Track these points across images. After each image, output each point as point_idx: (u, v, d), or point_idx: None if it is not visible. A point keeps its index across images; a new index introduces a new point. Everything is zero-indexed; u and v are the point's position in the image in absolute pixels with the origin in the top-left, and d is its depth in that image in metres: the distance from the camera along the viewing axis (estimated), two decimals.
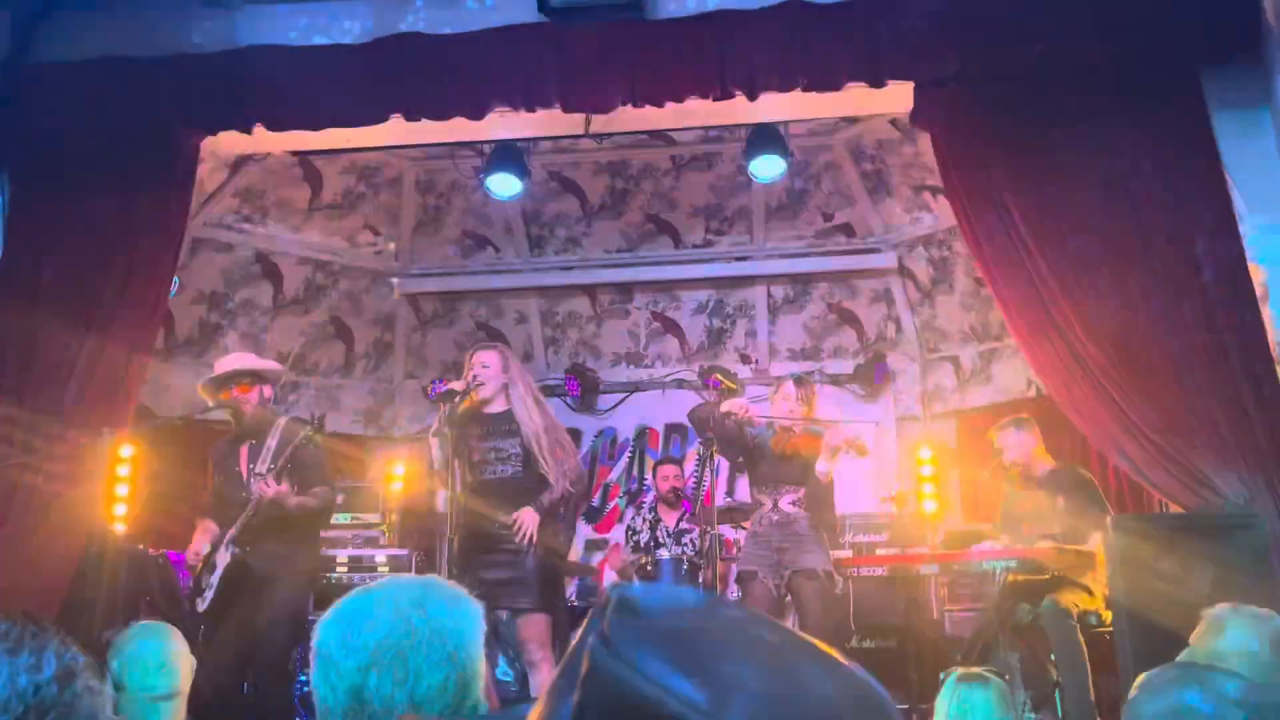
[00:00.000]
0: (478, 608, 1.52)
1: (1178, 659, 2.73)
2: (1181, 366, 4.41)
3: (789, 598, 4.86)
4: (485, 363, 4.64)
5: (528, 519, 4.43)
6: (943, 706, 2.75)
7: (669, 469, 6.67)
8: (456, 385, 4.56)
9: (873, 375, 7.70)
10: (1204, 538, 4.12)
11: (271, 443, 4.69)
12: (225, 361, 4.92)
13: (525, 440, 4.53)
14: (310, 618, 5.33)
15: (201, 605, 4.55)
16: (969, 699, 2.70)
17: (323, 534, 5.13)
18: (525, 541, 4.42)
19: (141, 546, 5.72)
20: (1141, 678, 1.76)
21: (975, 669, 2.93)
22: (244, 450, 4.75)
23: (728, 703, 0.54)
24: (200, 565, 4.60)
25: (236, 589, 4.52)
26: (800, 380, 5.11)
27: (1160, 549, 4.08)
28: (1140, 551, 4.11)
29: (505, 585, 4.40)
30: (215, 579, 4.56)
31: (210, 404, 4.79)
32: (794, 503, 4.91)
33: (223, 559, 4.57)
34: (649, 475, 7.71)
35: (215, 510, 4.71)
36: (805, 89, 4.88)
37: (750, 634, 0.60)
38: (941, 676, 2.76)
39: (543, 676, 4.44)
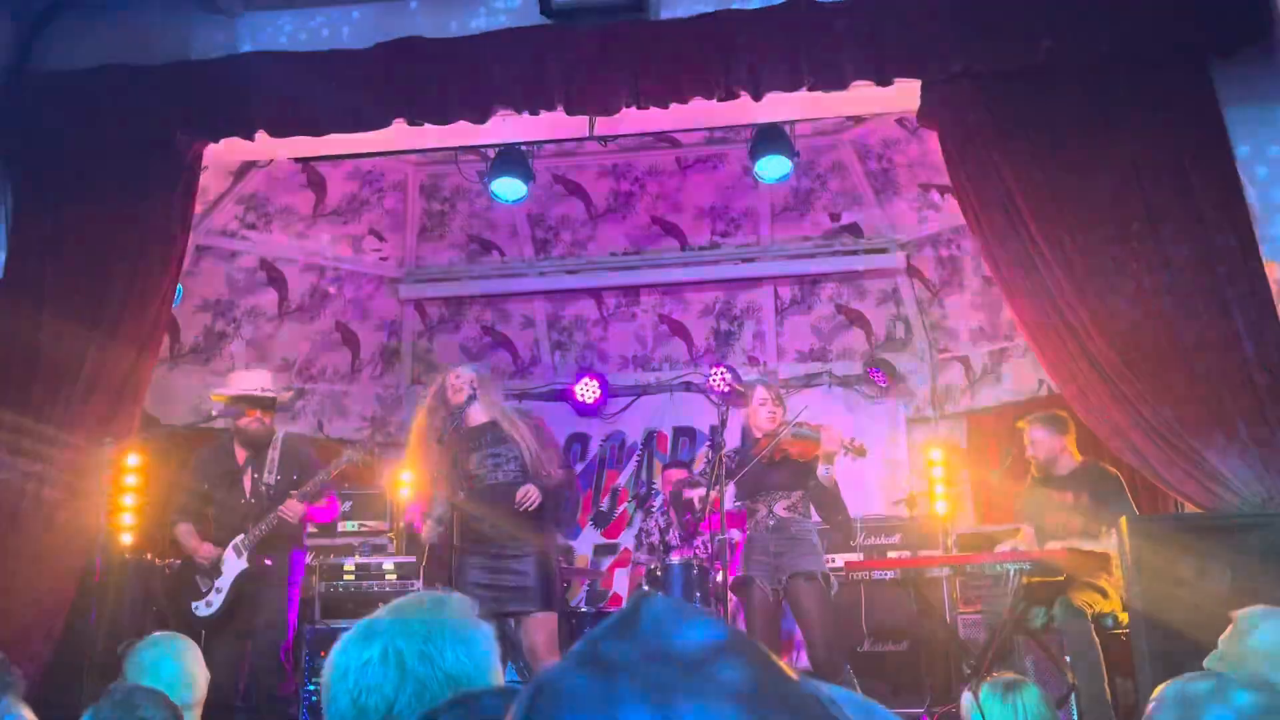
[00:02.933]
0: (487, 631, 1.46)
1: (1206, 660, 2.67)
2: (1195, 364, 4.35)
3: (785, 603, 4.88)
4: (471, 380, 4.80)
5: (534, 491, 4.54)
6: (1002, 715, 2.67)
7: (675, 473, 6.63)
8: (454, 405, 4.64)
9: (869, 379, 7.65)
10: (1221, 538, 4.07)
11: (274, 454, 4.86)
12: (241, 381, 4.98)
13: (518, 446, 4.58)
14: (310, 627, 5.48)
15: (207, 610, 4.64)
16: (1022, 702, 2.66)
17: (330, 541, 5.25)
18: (530, 504, 4.51)
19: (148, 555, 5.70)
20: (1158, 690, 1.71)
21: (1007, 674, 2.88)
22: (244, 461, 4.88)
23: None
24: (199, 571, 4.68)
25: (242, 596, 4.62)
26: (768, 384, 5.18)
27: (1176, 550, 4.03)
28: (1156, 552, 4.06)
29: (508, 591, 4.43)
30: (224, 585, 4.65)
31: (214, 413, 4.86)
32: (788, 508, 4.94)
33: (235, 566, 4.67)
34: (657, 479, 7.67)
35: (209, 517, 4.84)
36: (810, 88, 4.84)
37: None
38: (970, 690, 2.70)
39: None
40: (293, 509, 4.74)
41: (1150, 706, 1.69)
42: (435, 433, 4.63)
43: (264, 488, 4.84)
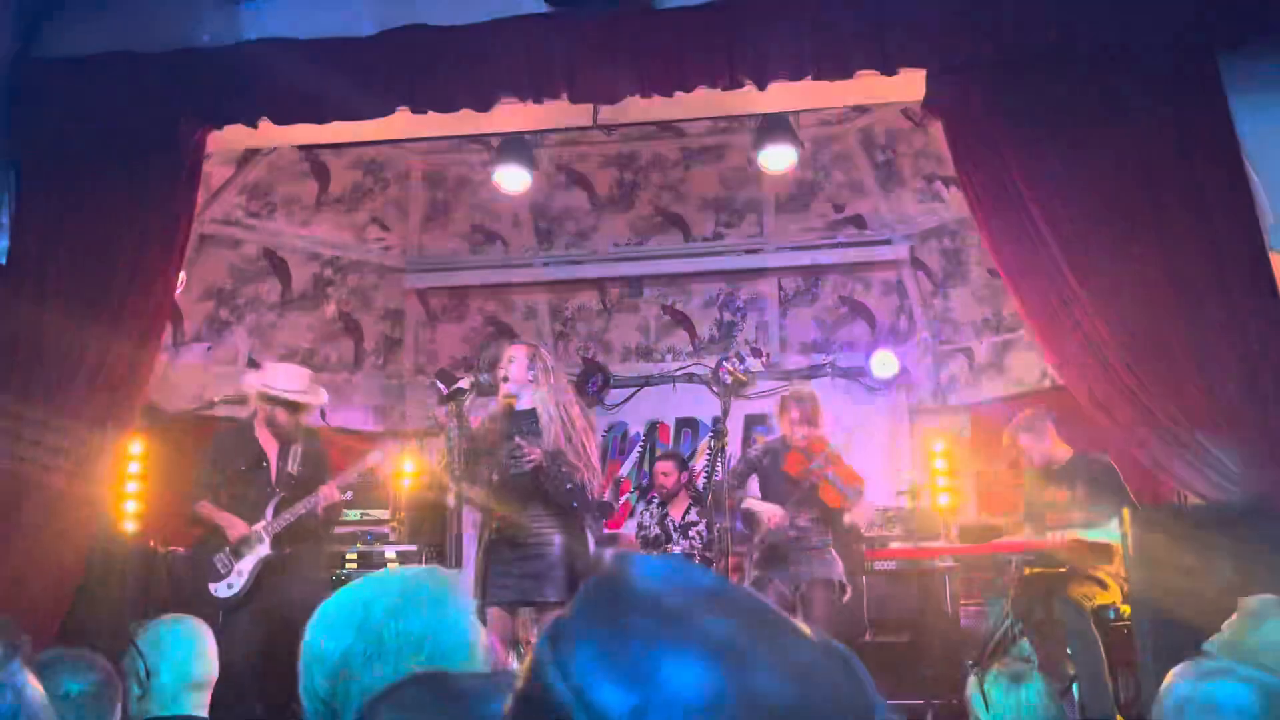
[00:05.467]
0: (467, 607, 1.48)
1: (1207, 644, 2.65)
2: (1201, 356, 4.34)
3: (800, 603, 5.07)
4: (512, 356, 4.66)
5: (536, 453, 4.44)
6: (1004, 703, 2.66)
7: (665, 464, 6.60)
8: (464, 383, 4.54)
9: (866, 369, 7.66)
10: (1224, 530, 4.06)
11: (298, 448, 4.99)
12: (279, 378, 5.04)
13: (545, 443, 4.50)
14: None
15: (228, 592, 4.70)
16: (1026, 694, 2.65)
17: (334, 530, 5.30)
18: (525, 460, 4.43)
19: (150, 543, 5.72)
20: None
21: (1015, 664, 2.88)
22: (273, 450, 4.98)
23: (647, 712, 0.52)
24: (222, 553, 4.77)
25: (267, 582, 4.65)
26: (800, 399, 5.23)
27: (1179, 541, 4.02)
28: (1159, 544, 4.05)
29: (531, 579, 4.42)
30: (246, 568, 4.73)
31: (221, 397, 4.87)
32: (812, 519, 5.14)
33: (259, 551, 4.76)
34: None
35: (229, 503, 4.85)
36: (815, 77, 4.82)
37: (723, 628, 0.56)
38: (975, 675, 2.69)
39: None
40: (332, 494, 4.87)
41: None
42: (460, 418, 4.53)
43: (287, 477, 4.90)
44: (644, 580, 0.57)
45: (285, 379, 5.03)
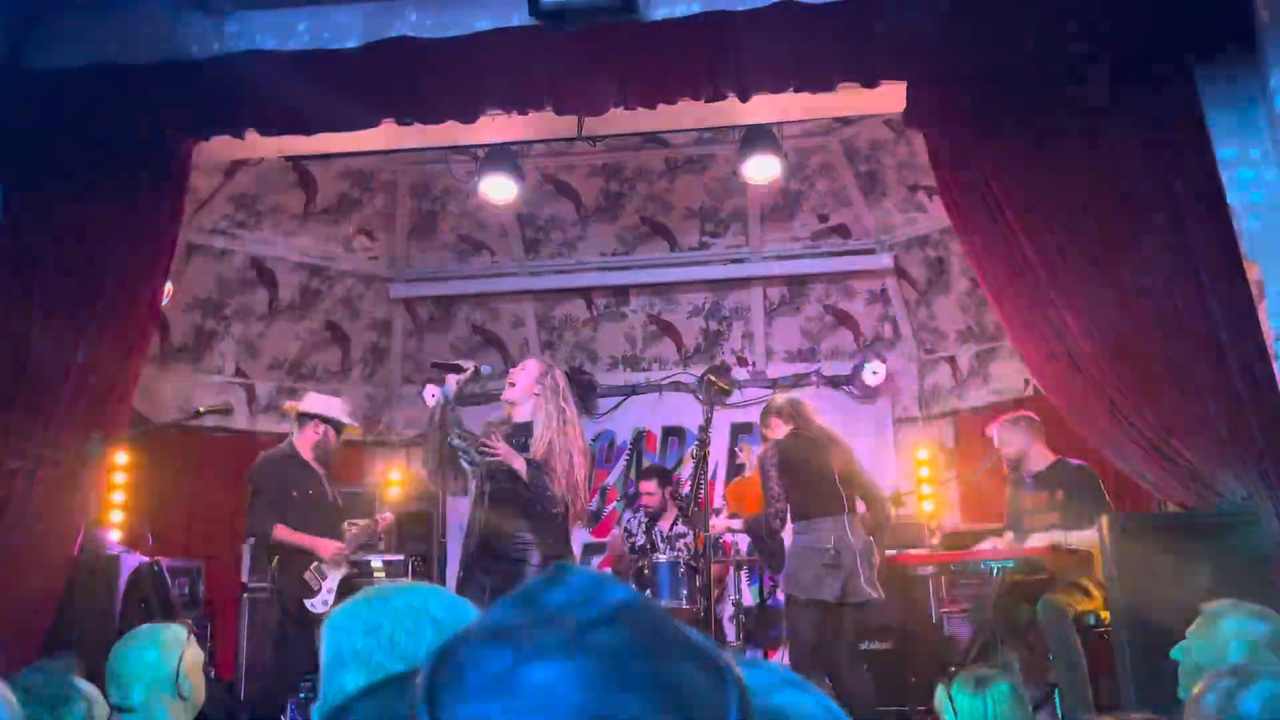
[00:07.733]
0: (467, 616, 1.54)
1: (1174, 650, 2.71)
2: (1178, 364, 4.39)
3: None
4: (524, 367, 4.71)
5: (502, 448, 4.47)
6: (970, 709, 2.69)
7: (647, 484, 6.54)
8: (463, 362, 4.66)
9: (859, 380, 7.68)
10: (1202, 536, 4.11)
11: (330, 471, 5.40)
12: (329, 405, 5.40)
13: (531, 452, 4.50)
14: None
15: (322, 608, 4.92)
16: (992, 696, 2.68)
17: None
18: (488, 452, 4.50)
19: (136, 552, 5.71)
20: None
21: (983, 668, 2.90)
22: (324, 477, 5.28)
23: None
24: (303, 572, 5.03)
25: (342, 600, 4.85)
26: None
27: (1158, 548, 4.06)
28: (1138, 550, 4.09)
29: (501, 594, 4.40)
30: (333, 585, 5.04)
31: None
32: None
33: (343, 569, 5.12)
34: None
35: (298, 526, 5.07)
36: (798, 89, 4.86)
37: (605, 643, 0.61)
38: (942, 684, 2.72)
39: None
40: (389, 518, 5.44)
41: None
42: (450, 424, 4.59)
43: (336, 497, 5.27)
44: (549, 594, 0.61)
45: (337, 406, 5.37)
